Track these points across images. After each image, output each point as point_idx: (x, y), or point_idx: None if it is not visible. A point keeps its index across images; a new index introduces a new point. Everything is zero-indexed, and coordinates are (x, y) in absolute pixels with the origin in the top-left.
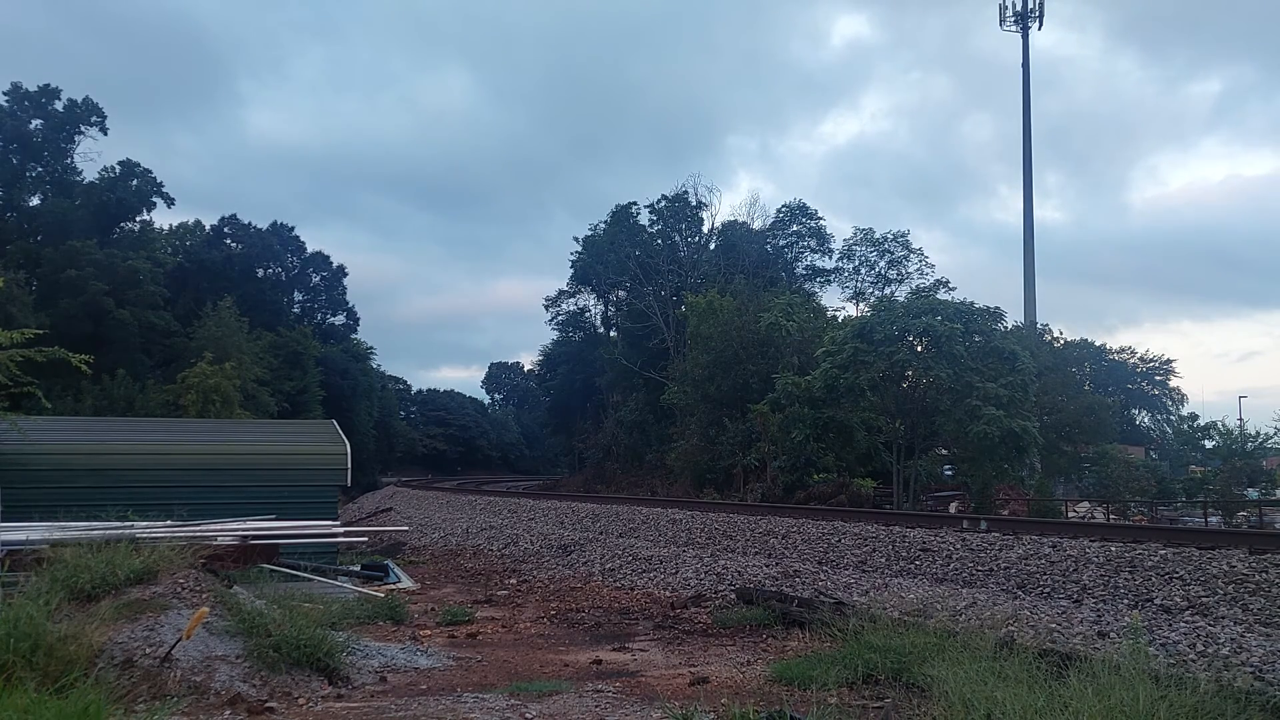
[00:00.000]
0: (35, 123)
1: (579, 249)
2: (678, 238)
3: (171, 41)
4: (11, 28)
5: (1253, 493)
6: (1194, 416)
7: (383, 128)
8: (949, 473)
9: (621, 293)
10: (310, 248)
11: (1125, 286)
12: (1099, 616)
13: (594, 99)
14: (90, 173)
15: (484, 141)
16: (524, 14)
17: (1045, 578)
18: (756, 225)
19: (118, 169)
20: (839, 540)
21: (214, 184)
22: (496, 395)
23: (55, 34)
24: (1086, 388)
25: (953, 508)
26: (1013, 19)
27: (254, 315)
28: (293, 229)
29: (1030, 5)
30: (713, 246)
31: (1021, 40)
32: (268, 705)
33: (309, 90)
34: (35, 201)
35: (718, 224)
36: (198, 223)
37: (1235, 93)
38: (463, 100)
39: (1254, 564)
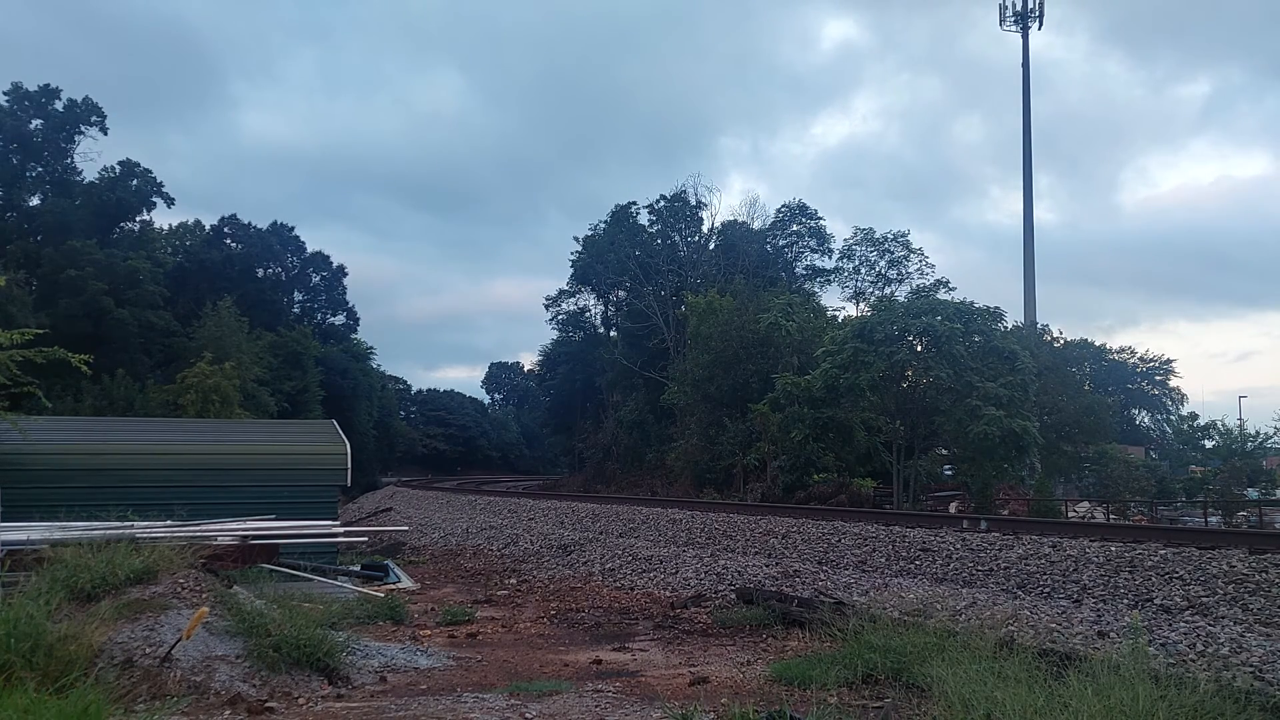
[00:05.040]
0: (35, 123)
1: (579, 249)
2: (677, 238)
3: (163, 44)
4: (4, 30)
5: (1253, 493)
6: (1194, 416)
7: (376, 129)
8: (949, 473)
9: (621, 293)
10: (309, 248)
11: (1120, 287)
12: (1099, 616)
13: (585, 101)
14: (90, 173)
15: (477, 143)
16: (513, 15)
17: (1045, 578)
18: (756, 225)
19: (118, 169)
20: (839, 540)
21: (209, 186)
22: (496, 395)
23: (49, 37)
24: (1086, 388)
25: (953, 508)
26: (1012, 19)
27: (254, 315)
28: (293, 229)
29: (1030, 5)
30: (712, 246)
31: (1021, 40)
32: (268, 705)
33: (302, 92)
34: (35, 201)
35: (717, 224)
36: (198, 223)
37: (1224, 94)
38: (455, 102)
39: (1254, 564)
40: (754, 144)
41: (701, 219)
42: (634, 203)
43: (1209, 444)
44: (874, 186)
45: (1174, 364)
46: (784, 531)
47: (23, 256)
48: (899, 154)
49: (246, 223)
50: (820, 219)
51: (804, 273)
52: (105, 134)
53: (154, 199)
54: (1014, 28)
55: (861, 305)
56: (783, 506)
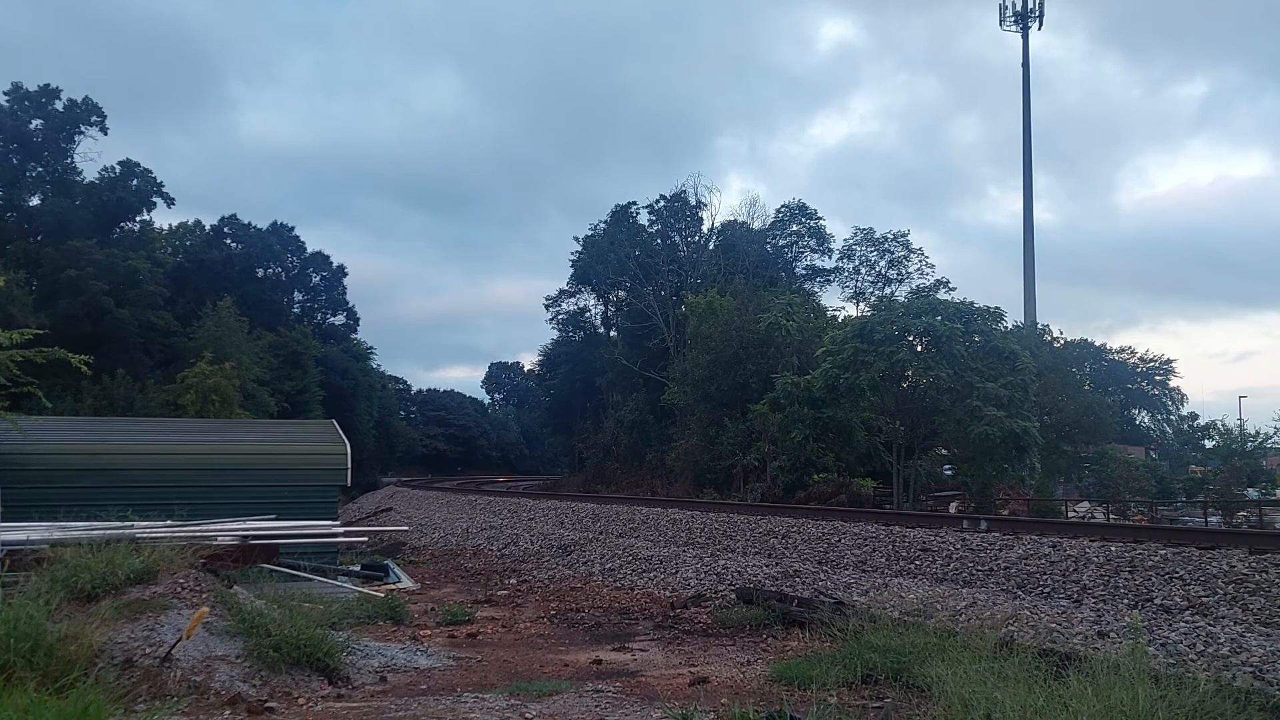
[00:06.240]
0: (35, 123)
1: (579, 249)
2: (677, 238)
3: (162, 45)
4: (4, 30)
5: (1253, 493)
6: (1194, 416)
7: (375, 130)
8: (949, 473)
9: (621, 293)
10: (309, 248)
11: (1119, 288)
12: (1099, 616)
13: (583, 101)
14: (90, 173)
15: (476, 144)
16: (510, 16)
17: (1045, 578)
18: (756, 225)
19: (118, 169)
20: (839, 540)
21: (208, 186)
22: (496, 395)
23: (49, 37)
24: (1086, 388)
25: (953, 508)
26: (1012, 19)
27: (254, 315)
28: (293, 229)
29: (1030, 5)
30: (712, 246)
31: (1022, 40)
32: (268, 705)
33: (300, 92)
34: (35, 201)
35: (717, 224)
36: (198, 223)
37: (1221, 94)
38: (453, 103)
39: (1254, 564)
40: (752, 144)
41: (701, 219)
42: (634, 203)
43: (1209, 444)
44: (872, 187)
45: (1174, 364)
46: (784, 531)
47: (23, 256)
48: (897, 154)
49: (246, 223)
50: (820, 219)
51: (804, 273)
52: (105, 134)
53: (154, 199)
54: (1014, 28)
55: (861, 305)
56: (783, 506)
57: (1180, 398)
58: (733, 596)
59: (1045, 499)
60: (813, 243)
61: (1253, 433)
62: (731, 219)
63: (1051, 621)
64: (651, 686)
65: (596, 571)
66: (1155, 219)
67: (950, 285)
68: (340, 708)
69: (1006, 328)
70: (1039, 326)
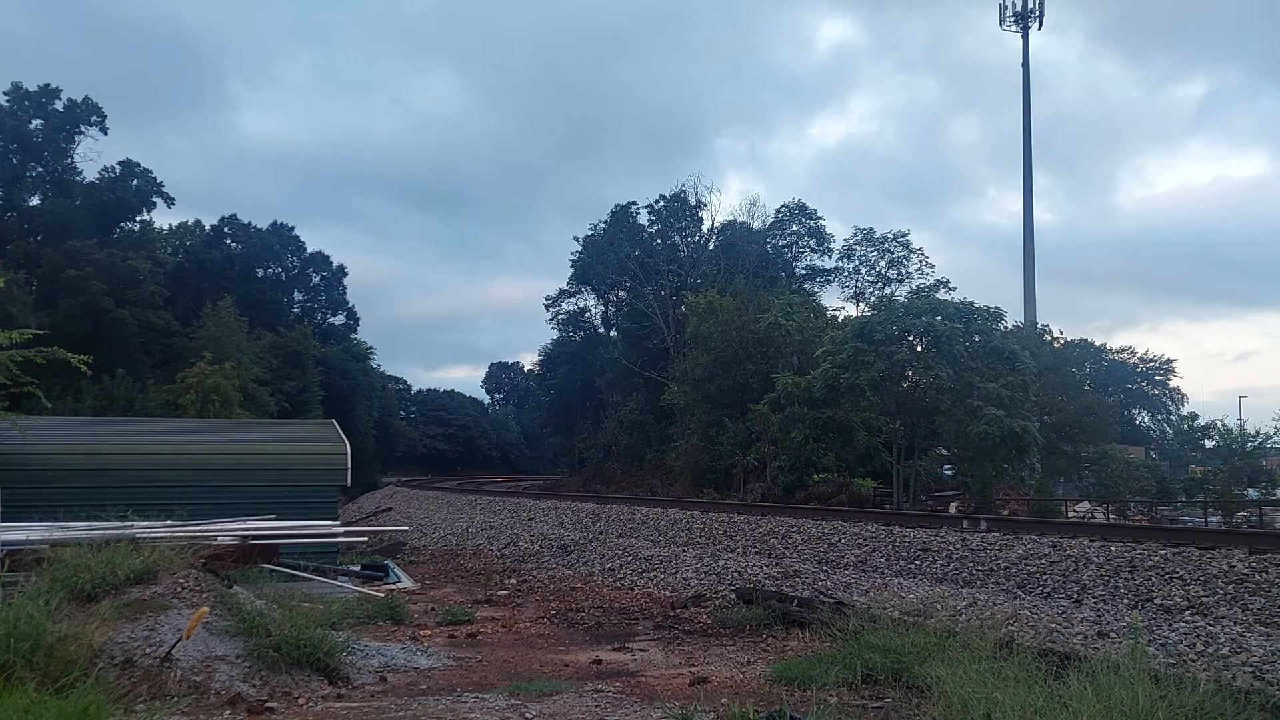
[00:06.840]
0: (35, 123)
1: (579, 249)
2: (677, 237)
3: (161, 45)
4: (4, 30)
5: (1253, 493)
6: (1194, 416)
7: (374, 130)
8: (949, 473)
9: (621, 292)
10: (309, 248)
11: (1118, 288)
12: (1099, 616)
13: (582, 101)
14: (90, 173)
15: (475, 143)
16: (509, 17)
17: (1045, 578)
18: (756, 225)
19: (118, 169)
20: (839, 540)
21: (208, 186)
22: (496, 395)
23: (46, 37)
24: (1086, 388)
25: (953, 508)
26: (1012, 19)
27: (254, 315)
28: (293, 229)
29: (1030, 5)
30: (712, 246)
31: (1021, 40)
32: (268, 705)
33: (299, 93)
34: (35, 201)
35: (717, 224)
36: (198, 223)
37: (1220, 95)
38: (452, 103)
39: (1254, 564)
40: (751, 145)
41: (701, 219)
42: (634, 203)
43: (1209, 444)
44: (871, 187)
45: (1174, 364)
46: (784, 531)
47: (23, 256)
48: (896, 154)
49: (246, 223)
50: (820, 219)
51: (804, 273)
52: (105, 134)
53: (154, 199)
54: (1013, 28)
55: (861, 305)
56: (783, 506)
57: (1180, 398)
58: (733, 596)
59: (1045, 499)
60: (812, 243)
61: (1253, 433)
62: (731, 219)
63: (1051, 621)
64: (651, 686)
65: (596, 571)
66: (1154, 219)
67: (950, 285)
68: (340, 708)
69: (1006, 328)
70: (1039, 326)
